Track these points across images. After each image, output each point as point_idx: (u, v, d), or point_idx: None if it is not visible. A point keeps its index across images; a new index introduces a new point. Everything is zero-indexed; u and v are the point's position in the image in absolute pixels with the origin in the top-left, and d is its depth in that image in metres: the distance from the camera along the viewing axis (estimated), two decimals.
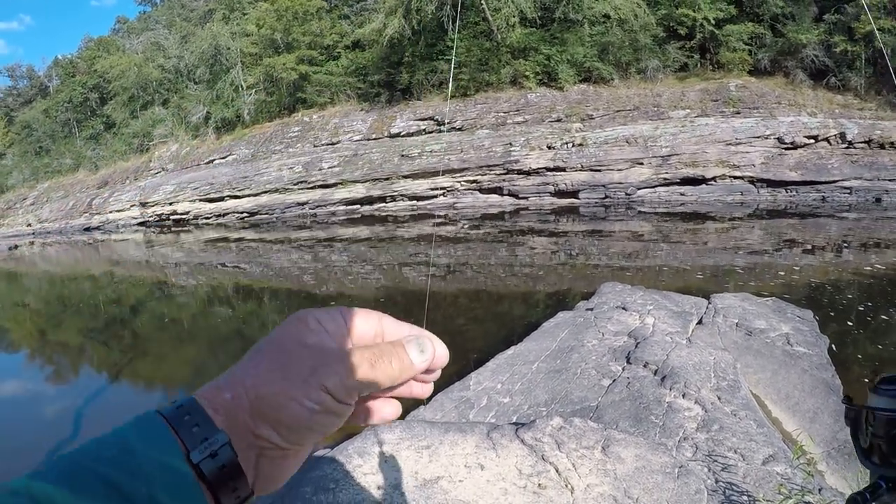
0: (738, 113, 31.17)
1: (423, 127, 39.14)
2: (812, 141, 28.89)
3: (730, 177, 29.15)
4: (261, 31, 49.61)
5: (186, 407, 0.75)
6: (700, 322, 8.90)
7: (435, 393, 7.28)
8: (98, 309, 21.91)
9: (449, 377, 8.90)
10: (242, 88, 49.48)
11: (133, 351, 15.39)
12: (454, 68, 38.10)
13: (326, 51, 46.91)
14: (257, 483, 0.77)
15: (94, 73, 66.87)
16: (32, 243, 53.87)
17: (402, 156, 37.72)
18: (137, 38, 67.08)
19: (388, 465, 4.51)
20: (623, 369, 6.86)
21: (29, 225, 63.58)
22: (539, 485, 4.12)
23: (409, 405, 8.00)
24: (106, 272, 30.73)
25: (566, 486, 4.07)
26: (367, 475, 4.39)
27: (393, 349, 0.85)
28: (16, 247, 51.38)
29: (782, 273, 14.93)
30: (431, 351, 0.88)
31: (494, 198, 34.90)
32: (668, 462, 4.30)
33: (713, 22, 33.30)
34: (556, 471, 4.25)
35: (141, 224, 50.60)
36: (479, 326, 13.33)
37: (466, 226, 29.44)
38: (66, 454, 0.66)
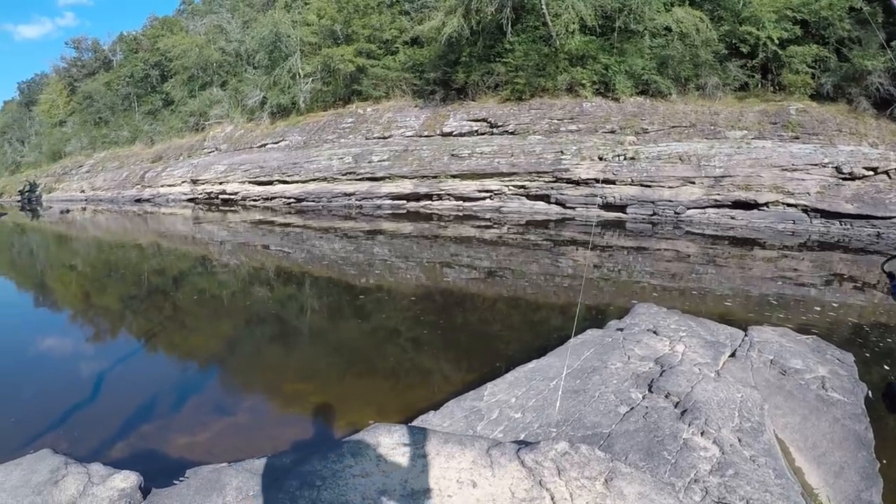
0: (797, 138, 30.33)
1: (475, 128, 39.12)
2: (871, 173, 27.92)
3: (783, 204, 28.33)
4: (321, 22, 50.19)
5: None
6: (733, 355, 8.46)
7: (447, 399, 7.11)
8: (141, 278, 22.22)
9: (467, 384, 8.69)
10: (300, 76, 50.09)
11: (169, 321, 15.55)
12: (510, 72, 37.96)
13: (385, 45, 47.20)
14: None
15: (157, 50, 69.00)
16: (84, 209, 56.11)
17: (452, 155, 37.64)
18: (201, 19, 68.59)
19: (380, 469, 4.37)
20: (643, 397, 6.53)
21: (82, 191, 65.95)
22: None
23: (422, 407, 7.80)
24: (152, 243, 31.43)
25: None
26: (356, 477, 4.26)
27: None
28: (67, 211, 53.55)
29: (824, 310, 14.27)
30: None
31: (541, 205, 34.60)
32: None
33: (777, 42, 32.49)
34: (552, 499, 4.03)
35: (190, 200, 52.27)
36: (513, 333, 13.04)
37: (511, 231, 29.16)
38: None
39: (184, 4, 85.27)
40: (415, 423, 6.34)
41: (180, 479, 4.88)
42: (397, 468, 4.37)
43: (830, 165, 28.31)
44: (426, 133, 40.97)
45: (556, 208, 33.61)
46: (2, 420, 8.65)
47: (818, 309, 14.16)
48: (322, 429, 8.32)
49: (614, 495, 4.09)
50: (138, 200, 56.78)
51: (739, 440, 5.46)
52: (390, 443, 4.71)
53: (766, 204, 28.45)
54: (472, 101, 40.77)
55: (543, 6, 36.36)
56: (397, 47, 46.67)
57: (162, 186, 55.76)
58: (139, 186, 58.35)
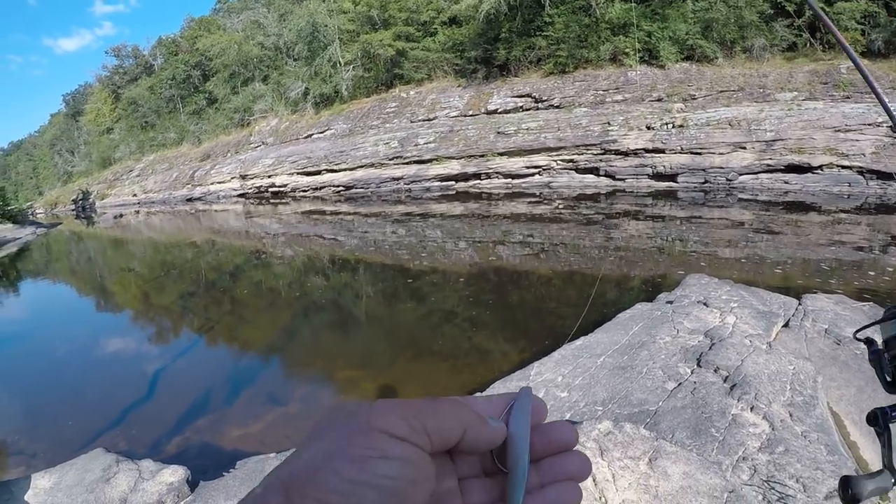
0: (849, 97, 29.24)
1: (520, 104, 38.81)
2: None
3: (837, 166, 27.39)
4: (357, 8, 50.47)
5: None
6: (786, 325, 8.13)
7: (489, 381, 6.97)
8: (196, 274, 22.76)
9: (518, 363, 8.58)
10: (340, 65, 50.36)
11: (224, 316, 15.85)
12: (550, 45, 37.53)
13: (423, 27, 47.12)
14: None
15: (197, 51, 70.23)
16: (138, 212, 57.24)
17: (498, 133, 37.45)
18: (237, 16, 69.54)
19: None
20: (692, 372, 6.29)
21: (134, 195, 67.11)
22: None
23: (470, 389, 7.70)
24: (206, 240, 32.00)
25: (600, 498, 3.68)
26: None
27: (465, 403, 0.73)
28: (121, 216, 54.61)
29: (881, 274, 13.58)
30: (502, 426, 0.73)
31: (591, 178, 34.23)
32: (717, 484, 3.81)
33: None
34: (593, 480, 3.86)
35: (240, 195, 52.84)
36: (568, 309, 12.74)
37: (561, 206, 28.87)
38: None
39: (219, 3, 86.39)
40: None
41: (230, 470, 5.08)
42: None
43: (885, 124, 27.23)
44: (471, 112, 40.74)
45: (605, 181, 33.22)
46: (61, 422, 8.98)
47: (874, 274, 13.66)
48: None
49: (658, 475, 3.94)
50: (190, 199, 57.67)
51: (791, 415, 5.21)
52: None
53: (819, 167, 27.61)
54: (515, 77, 40.50)
55: None
56: (436, 28, 46.53)
57: (212, 184, 56.51)
58: (189, 186, 59.21)
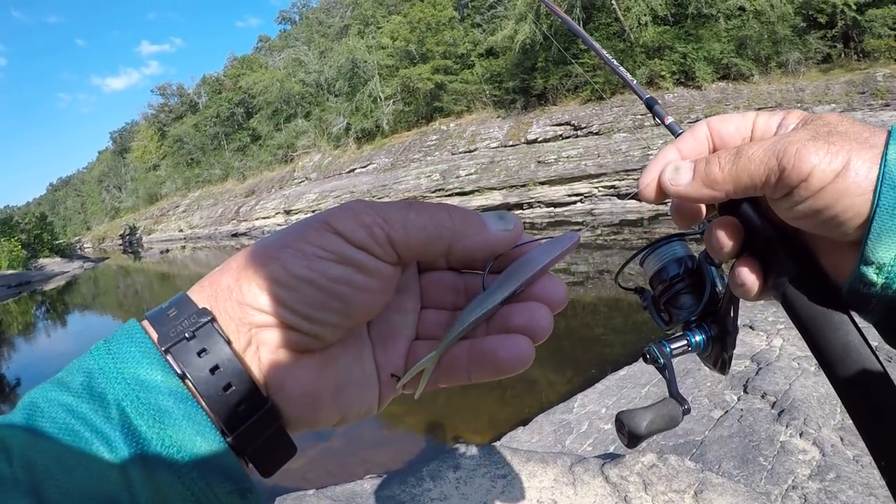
0: (887, 105, 29.04)
1: (559, 132, 38.90)
2: None
3: None
4: (395, 44, 50.79)
5: (173, 300, 0.61)
6: None
7: (537, 413, 7.11)
8: None
9: (563, 395, 8.69)
10: (380, 99, 50.79)
11: None
12: (587, 71, 37.71)
13: (461, 59, 47.60)
14: (268, 387, 0.60)
15: (240, 89, 70.75)
16: (184, 247, 57.91)
17: (539, 162, 37.54)
18: (279, 54, 70.45)
19: (459, 491, 4.37)
20: (738, 399, 6.30)
21: (180, 230, 68.18)
22: None
23: (515, 422, 7.85)
24: None
25: None
26: (434, 500, 4.27)
27: (457, 207, 0.65)
28: (167, 251, 55.67)
29: None
30: (517, 228, 0.67)
31: (633, 203, 34.05)
32: None
33: (854, 7, 31.27)
34: None
35: None
36: (616, 336, 12.84)
37: (605, 232, 28.91)
38: (33, 390, 0.54)
39: (260, 42, 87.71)
40: (503, 440, 6.41)
41: None
42: (477, 490, 4.38)
43: None
44: (511, 142, 40.96)
45: (648, 205, 33.07)
46: None
47: None
48: (412, 450, 8.37)
49: None
50: (235, 235, 58.36)
51: (842, 439, 5.24)
52: (471, 464, 4.69)
53: None
54: (553, 105, 40.64)
55: (613, 2, 36.13)
56: (473, 60, 47.08)
57: (257, 219, 57.25)
58: (235, 221, 60.01)
